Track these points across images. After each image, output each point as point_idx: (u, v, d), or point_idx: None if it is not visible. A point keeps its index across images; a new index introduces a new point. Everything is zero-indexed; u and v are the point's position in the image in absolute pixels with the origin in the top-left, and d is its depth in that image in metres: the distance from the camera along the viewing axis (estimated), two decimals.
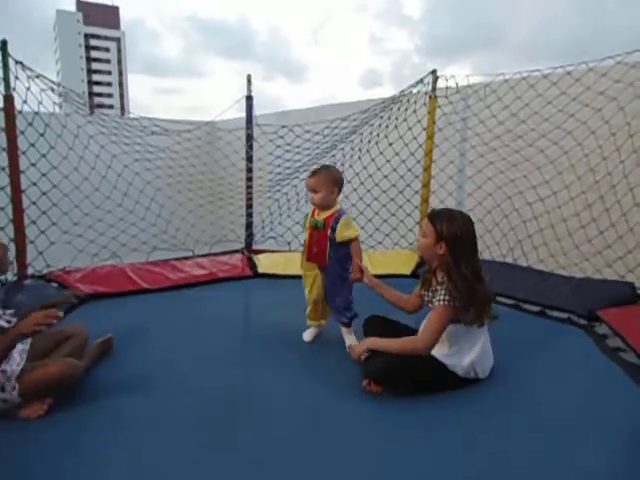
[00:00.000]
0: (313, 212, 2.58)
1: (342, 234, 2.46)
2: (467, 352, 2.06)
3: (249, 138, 4.93)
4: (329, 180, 2.49)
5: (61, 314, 1.83)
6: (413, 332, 2.23)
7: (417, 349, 2.04)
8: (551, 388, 2.13)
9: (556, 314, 3.04)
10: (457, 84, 4.33)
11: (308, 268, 2.62)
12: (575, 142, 3.69)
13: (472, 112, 4.34)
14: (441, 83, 4.37)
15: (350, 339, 2.54)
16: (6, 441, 1.73)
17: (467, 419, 1.87)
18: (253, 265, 4.26)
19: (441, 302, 1.99)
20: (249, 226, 5.02)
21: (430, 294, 2.09)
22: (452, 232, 2.01)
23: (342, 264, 2.52)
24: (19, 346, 2.04)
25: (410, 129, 4.56)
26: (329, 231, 2.48)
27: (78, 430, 1.79)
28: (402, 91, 4.52)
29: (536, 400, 2.03)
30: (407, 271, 4.12)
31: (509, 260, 4.06)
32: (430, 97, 4.41)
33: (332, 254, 2.51)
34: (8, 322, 1.99)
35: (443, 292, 1.99)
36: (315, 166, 2.84)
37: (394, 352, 2.05)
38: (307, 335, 2.68)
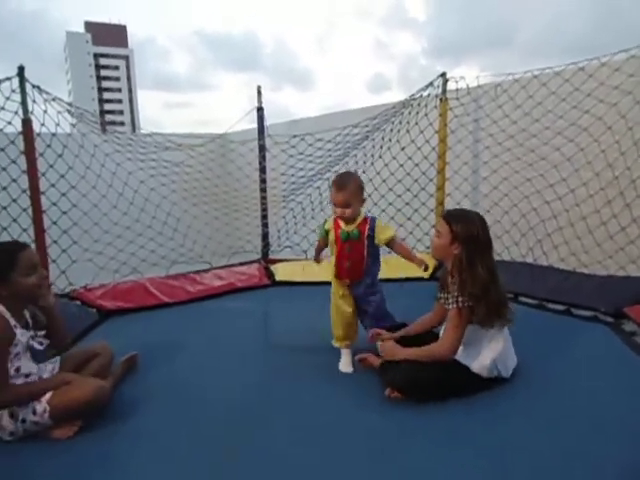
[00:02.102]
0: (335, 223, 2.37)
1: (385, 236, 2.35)
2: (488, 351, 2.04)
3: (261, 149, 4.96)
4: (358, 191, 2.32)
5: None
6: (434, 335, 2.22)
7: (441, 356, 2.04)
8: (581, 387, 2.10)
9: (581, 312, 2.99)
10: (468, 85, 4.32)
11: (337, 285, 2.42)
12: (591, 138, 3.65)
13: (484, 113, 4.32)
14: (451, 85, 4.37)
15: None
16: (37, 462, 1.75)
17: (496, 422, 1.85)
18: (271, 274, 4.28)
19: (455, 305, 1.99)
20: (265, 236, 5.05)
21: (446, 295, 2.07)
22: (468, 232, 2.00)
23: (375, 272, 2.44)
24: (49, 366, 2.08)
25: (422, 132, 4.55)
26: (366, 240, 2.34)
27: (107, 451, 1.81)
28: (412, 95, 4.52)
29: (566, 400, 2.00)
30: (425, 275, 4.09)
31: (529, 260, 4.02)
32: (441, 100, 4.40)
33: (370, 264, 2.38)
34: (40, 344, 2.02)
35: (456, 294, 1.99)
36: (332, 175, 2.78)
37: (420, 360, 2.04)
38: (345, 364, 2.39)
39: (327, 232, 2.41)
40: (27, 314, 2.04)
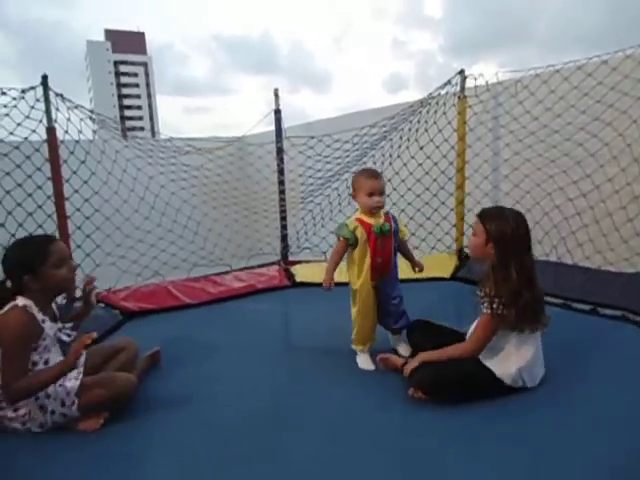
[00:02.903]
0: (362, 222, 2.33)
1: (406, 231, 2.48)
2: (515, 358, 1.98)
3: (279, 151, 4.98)
4: (384, 182, 2.43)
5: (94, 334, 1.87)
6: (459, 335, 2.19)
7: (464, 353, 2.02)
8: (611, 389, 2.04)
9: (609, 312, 2.92)
10: (487, 82, 4.26)
11: (365, 287, 2.37)
12: (616, 132, 3.55)
13: (504, 110, 4.25)
14: (470, 82, 4.32)
15: (404, 347, 2.48)
16: (64, 453, 1.79)
17: (519, 427, 1.81)
18: (290, 275, 4.29)
19: (487, 311, 1.95)
20: (284, 238, 5.06)
21: (482, 295, 2.01)
22: (501, 232, 1.95)
23: (397, 268, 2.46)
24: None
25: (440, 131, 4.50)
26: (393, 235, 2.37)
27: (131, 444, 1.84)
28: (430, 94, 4.48)
29: (595, 406, 1.94)
30: (446, 274, 4.06)
31: (552, 259, 3.93)
32: (459, 97, 4.35)
33: (394, 259, 2.42)
34: (68, 336, 2.07)
35: (489, 299, 1.94)
36: (350, 176, 2.77)
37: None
38: (367, 362, 2.39)
39: (353, 233, 2.32)
40: (54, 307, 2.09)
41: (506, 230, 1.95)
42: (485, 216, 2.04)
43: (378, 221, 2.33)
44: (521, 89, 4.09)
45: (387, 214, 2.42)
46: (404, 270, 2.56)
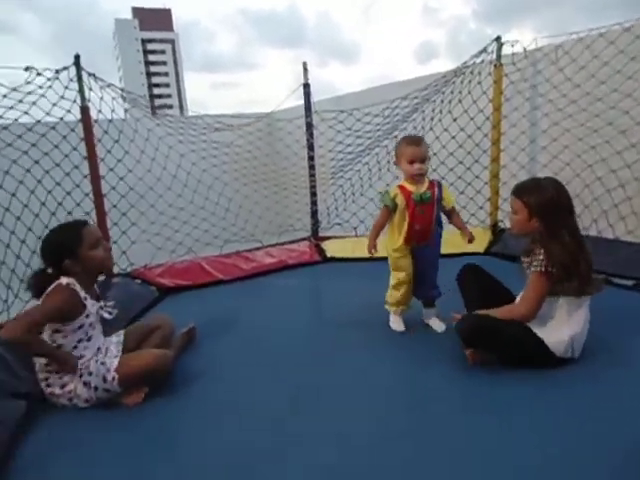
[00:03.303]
0: (402, 189, 2.35)
1: (452, 201, 2.43)
2: (567, 326, 1.93)
3: (309, 126, 4.92)
4: (427, 148, 2.38)
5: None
6: (510, 294, 2.16)
7: (518, 316, 1.97)
8: None
9: None
10: (525, 49, 4.06)
11: (401, 250, 2.42)
12: None
13: (543, 78, 4.06)
14: (506, 49, 4.13)
15: (437, 323, 2.48)
16: (109, 427, 1.88)
17: (560, 401, 1.78)
18: (321, 251, 4.30)
19: (538, 268, 1.89)
20: (314, 214, 5.05)
21: (529, 259, 1.97)
22: (543, 202, 1.90)
23: (439, 236, 2.45)
24: (114, 338, 2.21)
25: (475, 102, 4.34)
26: (435, 203, 2.35)
27: (172, 416, 1.92)
28: (465, 62, 4.31)
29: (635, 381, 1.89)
30: (480, 249, 3.99)
31: (592, 233, 3.79)
32: (495, 66, 4.17)
33: (437, 228, 2.41)
34: (109, 313, 2.15)
35: (541, 257, 1.89)
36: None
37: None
38: (398, 323, 2.52)
39: (393, 200, 2.35)
40: (96, 286, 2.18)
41: (548, 200, 1.89)
42: (522, 191, 1.98)
43: (420, 188, 2.33)
44: (562, 55, 3.88)
45: (432, 182, 2.39)
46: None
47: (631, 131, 3.56)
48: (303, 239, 4.86)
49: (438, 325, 2.46)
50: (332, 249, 4.30)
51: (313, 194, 5.02)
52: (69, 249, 2.00)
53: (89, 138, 3.74)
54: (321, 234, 4.98)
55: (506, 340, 1.95)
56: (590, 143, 3.82)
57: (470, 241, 2.44)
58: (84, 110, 3.72)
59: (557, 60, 3.92)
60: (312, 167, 4.99)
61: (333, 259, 4.12)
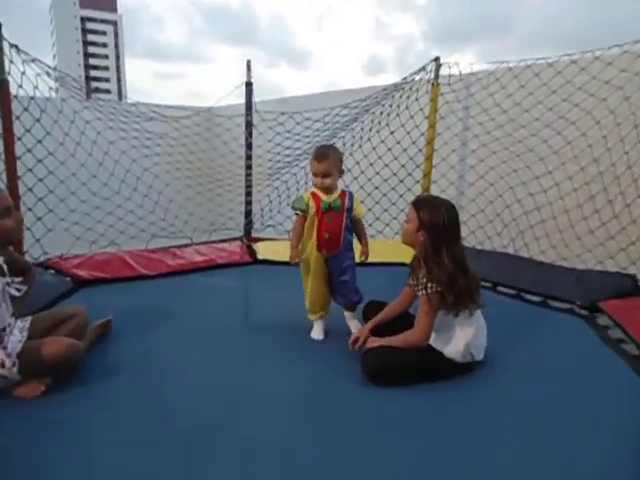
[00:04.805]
0: (314, 196, 2.40)
1: (361, 212, 2.49)
2: (461, 335, 2.04)
3: (248, 125, 4.87)
4: (337, 162, 2.40)
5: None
6: (411, 317, 2.23)
7: (415, 343, 2.05)
8: (551, 378, 2.12)
9: (558, 304, 3.03)
10: (460, 72, 4.26)
11: (313, 258, 2.45)
12: (579, 132, 3.65)
13: (475, 100, 4.28)
14: (444, 70, 4.31)
15: (355, 324, 2.52)
16: (9, 416, 1.72)
17: (468, 407, 1.86)
18: (252, 252, 4.24)
19: (424, 291, 1.99)
20: (248, 214, 4.99)
21: (415, 281, 2.06)
22: (433, 220, 1.99)
23: (350, 245, 2.50)
24: (19, 323, 2.02)
25: (412, 117, 4.50)
26: (345, 212, 2.41)
27: (71, 411, 1.78)
28: (404, 78, 4.45)
29: (535, 391, 2.01)
30: (408, 260, 4.10)
31: (510, 251, 4.04)
32: (432, 85, 4.35)
33: (347, 236, 2.45)
34: (18, 290, 1.99)
35: (424, 280, 1.99)
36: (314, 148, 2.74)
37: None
38: (317, 332, 2.52)
39: (307, 205, 2.40)
40: (1, 260, 1.98)
41: (438, 219, 1.99)
42: (419, 203, 2.08)
43: (330, 197, 2.40)
44: (493, 81, 4.12)
45: (344, 191, 2.46)
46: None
47: (549, 159, 3.84)
48: (235, 239, 4.77)
49: (355, 327, 2.51)
50: (263, 251, 4.25)
51: (248, 194, 4.96)
52: None
53: (6, 114, 3.46)
54: (254, 235, 4.92)
55: (410, 368, 2.02)
56: (513, 167, 4.08)
57: (363, 259, 2.53)
58: (2, 83, 3.44)
59: (488, 85, 4.15)
60: (249, 166, 4.93)
61: (264, 261, 4.07)
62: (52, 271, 3.45)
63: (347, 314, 2.58)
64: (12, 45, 3.45)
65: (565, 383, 2.08)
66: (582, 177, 3.67)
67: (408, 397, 1.94)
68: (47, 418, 1.73)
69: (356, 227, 2.53)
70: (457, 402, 1.92)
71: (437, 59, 4.32)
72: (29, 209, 3.73)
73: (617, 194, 3.47)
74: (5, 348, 1.83)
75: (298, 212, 2.44)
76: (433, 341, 2.08)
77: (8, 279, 1.96)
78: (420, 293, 2.01)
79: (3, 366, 1.79)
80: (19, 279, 2.02)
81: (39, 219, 3.81)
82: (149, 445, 1.62)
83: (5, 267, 1.98)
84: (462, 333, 2.05)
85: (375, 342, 2.15)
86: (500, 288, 3.35)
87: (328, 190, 2.41)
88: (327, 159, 2.36)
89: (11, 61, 3.45)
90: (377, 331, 2.27)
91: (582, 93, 3.59)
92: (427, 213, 2.01)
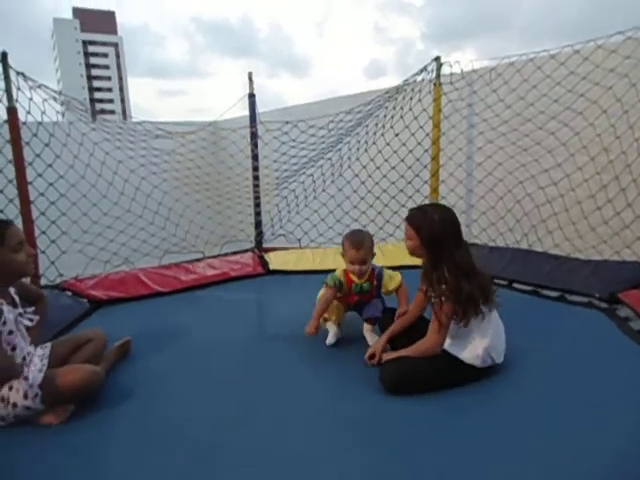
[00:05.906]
0: (347, 276, 2.47)
1: (393, 286, 2.51)
2: (479, 341, 2.00)
3: (253, 136, 4.90)
4: (372, 246, 2.44)
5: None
6: (426, 322, 2.20)
7: (428, 350, 2.03)
8: (574, 376, 2.07)
9: (576, 298, 2.98)
10: (462, 70, 4.25)
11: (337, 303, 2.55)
12: (586, 122, 3.61)
13: (479, 97, 4.26)
14: (445, 69, 4.31)
15: (371, 337, 2.49)
16: (26, 447, 1.71)
17: (489, 411, 1.83)
18: (265, 263, 4.24)
19: (436, 299, 1.97)
20: (258, 225, 5.00)
21: (426, 287, 2.04)
22: (428, 235, 1.97)
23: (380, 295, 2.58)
24: (39, 351, 2.04)
25: (416, 118, 4.49)
26: (375, 290, 2.50)
27: (99, 435, 1.78)
28: (406, 80, 4.46)
29: (558, 391, 1.96)
30: (419, 262, 4.08)
31: (524, 246, 4.00)
32: (435, 84, 4.34)
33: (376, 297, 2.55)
34: (30, 320, 2.00)
35: (436, 288, 1.97)
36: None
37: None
38: (331, 336, 2.53)
39: (340, 282, 2.45)
40: (12, 291, 2.01)
41: (433, 232, 1.96)
42: (412, 219, 2.04)
43: (361, 280, 2.47)
44: (495, 77, 4.10)
45: (373, 271, 2.49)
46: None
47: (557, 151, 3.80)
48: (246, 250, 4.79)
49: (372, 339, 2.48)
50: (276, 261, 4.25)
51: (257, 205, 4.98)
52: None
53: (16, 140, 3.52)
54: (265, 245, 4.93)
55: (429, 378, 1.99)
56: (521, 161, 4.04)
57: (399, 316, 2.43)
58: (11, 111, 3.50)
59: (491, 82, 4.13)
60: (256, 177, 4.96)
61: (276, 271, 4.07)
62: (69, 293, 3.49)
63: (366, 326, 2.56)
64: (19, 73, 3.52)
65: (588, 381, 2.03)
66: (592, 167, 3.62)
67: (429, 402, 1.91)
68: (69, 443, 1.73)
69: (398, 293, 2.54)
70: (478, 406, 1.89)
71: (438, 59, 4.32)
72: (43, 232, 3.78)
73: (630, 182, 3.42)
74: (27, 379, 1.84)
75: (329, 285, 2.45)
76: (451, 347, 2.04)
77: (20, 310, 1.98)
78: (433, 299, 1.99)
79: (26, 397, 1.81)
80: (31, 309, 2.04)
81: (53, 242, 3.85)
82: (170, 470, 1.62)
83: (17, 298, 2.02)
84: (479, 338, 2.01)
85: (391, 356, 2.13)
86: (516, 285, 3.31)
87: (362, 275, 2.45)
88: (364, 246, 2.38)
89: (18, 88, 3.51)
90: (393, 338, 2.26)
91: (587, 83, 3.56)
92: (423, 228, 1.99)
